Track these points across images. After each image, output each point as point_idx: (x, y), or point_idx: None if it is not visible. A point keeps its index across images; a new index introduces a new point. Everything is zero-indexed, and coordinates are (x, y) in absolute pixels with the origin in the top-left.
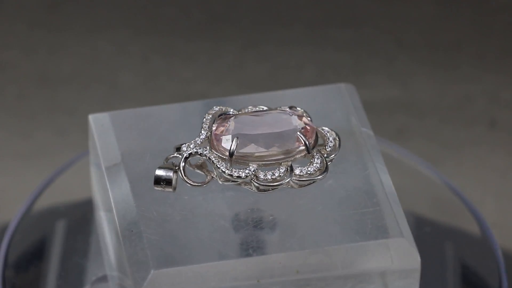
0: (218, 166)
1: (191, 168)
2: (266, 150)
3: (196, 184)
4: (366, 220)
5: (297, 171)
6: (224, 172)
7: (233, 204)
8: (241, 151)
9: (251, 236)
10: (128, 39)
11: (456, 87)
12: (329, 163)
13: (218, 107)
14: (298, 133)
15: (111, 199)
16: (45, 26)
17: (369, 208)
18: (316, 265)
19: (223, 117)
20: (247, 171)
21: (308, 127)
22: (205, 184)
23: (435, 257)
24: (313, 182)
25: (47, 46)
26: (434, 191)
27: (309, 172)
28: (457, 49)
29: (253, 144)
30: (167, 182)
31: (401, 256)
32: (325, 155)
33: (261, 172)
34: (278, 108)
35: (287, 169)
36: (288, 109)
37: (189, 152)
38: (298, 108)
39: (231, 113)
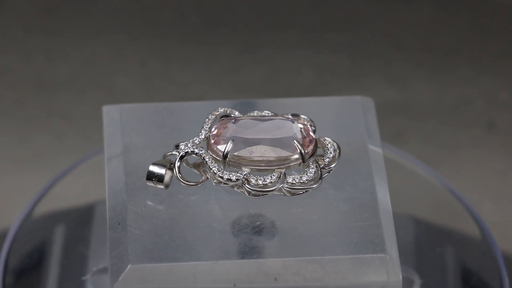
0: (211, 167)
1: (188, 167)
2: (260, 155)
3: (190, 183)
4: (352, 234)
5: (289, 179)
6: (215, 173)
7: (225, 207)
8: (235, 154)
9: (235, 239)
10: (125, 43)
11: (454, 89)
12: (326, 174)
13: (223, 109)
14: (295, 141)
15: (106, 190)
16: (42, 30)
17: (358, 223)
18: (293, 274)
19: (225, 119)
20: (238, 175)
21: (307, 136)
22: (200, 184)
23: (435, 260)
24: (306, 191)
25: (44, 50)
26: (433, 194)
27: (301, 181)
28: (454, 51)
29: (248, 148)
30: (159, 178)
31: (382, 272)
32: (322, 166)
33: (253, 177)
34: (284, 115)
35: (280, 176)
36: (290, 117)
37: (185, 151)
38: (303, 116)
39: (233, 115)
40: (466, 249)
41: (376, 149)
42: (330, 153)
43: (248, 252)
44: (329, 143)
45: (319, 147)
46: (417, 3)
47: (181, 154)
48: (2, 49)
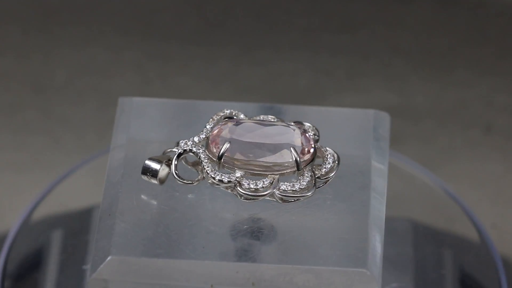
0: (205, 166)
1: (188, 166)
2: (255, 159)
3: (185, 181)
4: (337, 246)
5: (282, 186)
6: (208, 173)
7: (218, 208)
8: (230, 156)
9: (220, 241)
10: (122, 46)
11: (452, 91)
12: (322, 185)
13: (229, 110)
14: (291, 148)
15: (105, 179)
16: (40, 33)
17: (345, 235)
18: (271, 281)
19: (227, 120)
20: (231, 177)
21: (306, 145)
22: (195, 183)
23: (433, 263)
24: (297, 200)
25: (42, 53)
26: (431, 196)
27: (293, 189)
28: (452, 53)
29: (243, 151)
30: (153, 174)
31: (362, 287)
32: (318, 175)
33: (245, 180)
34: (287, 122)
35: (272, 182)
36: (293, 124)
37: (183, 149)
38: (308, 124)
39: (235, 117)
40: (464, 251)
41: (378, 165)
42: (329, 163)
43: (229, 254)
44: (330, 153)
45: (319, 157)
46: (414, 5)
47: (179, 151)
48: (0, 52)
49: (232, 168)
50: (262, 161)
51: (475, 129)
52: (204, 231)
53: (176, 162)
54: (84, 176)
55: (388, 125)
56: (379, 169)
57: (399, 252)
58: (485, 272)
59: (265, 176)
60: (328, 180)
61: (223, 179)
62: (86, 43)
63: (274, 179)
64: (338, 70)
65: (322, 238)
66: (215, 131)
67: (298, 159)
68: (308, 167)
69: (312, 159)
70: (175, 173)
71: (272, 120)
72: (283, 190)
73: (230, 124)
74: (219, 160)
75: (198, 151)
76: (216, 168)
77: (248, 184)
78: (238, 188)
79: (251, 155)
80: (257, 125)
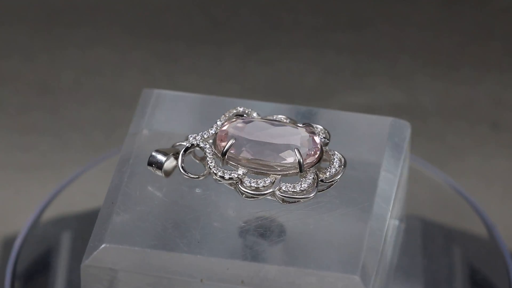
0: (209, 162)
1: (196, 160)
2: (259, 158)
3: (191, 175)
4: (332, 250)
5: (283, 187)
6: (211, 169)
7: (221, 204)
8: (235, 153)
9: (215, 236)
10: (129, 47)
11: (459, 89)
12: (326, 188)
13: (242, 108)
14: (295, 149)
15: (115, 167)
16: (47, 35)
17: (342, 240)
18: (261, 280)
19: (238, 118)
20: (233, 174)
21: (313, 147)
22: (201, 178)
23: (442, 260)
24: (297, 201)
25: (49, 56)
26: (439, 194)
27: (294, 190)
28: (459, 51)
29: (248, 149)
30: (158, 165)
31: None
32: (321, 179)
33: (247, 178)
34: (297, 123)
35: (273, 182)
36: (301, 125)
37: (191, 143)
38: (319, 127)
39: (245, 115)
40: (473, 248)
41: (387, 174)
42: (334, 167)
43: (222, 250)
44: (337, 157)
45: (326, 160)
46: (421, 3)
47: (186, 145)
48: (7, 55)
49: (236, 166)
50: (266, 161)
51: (482, 126)
52: (201, 226)
53: (183, 156)
54: (92, 177)
55: (406, 134)
56: (388, 177)
57: (408, 249)
58: (494, 268)
59: (268, 175)
60: (332, 184)
61: (225, 176)
62: (93, 44)
63: (275, 179)
64: (345, 68)
65: (319, 241)
66: (224, 128)
67: (301, 161)
68: (312, 170)
69: (317, 162)
70: (181, 166)
71: (284, 120)
72: (284, 190)
73: (239, 121)
74: (223, 156)
75: (205, 146)
76: (220, 164)
77: (250, 182)
78: (240, 185)
79: (255, 154)
80: (265, 124)
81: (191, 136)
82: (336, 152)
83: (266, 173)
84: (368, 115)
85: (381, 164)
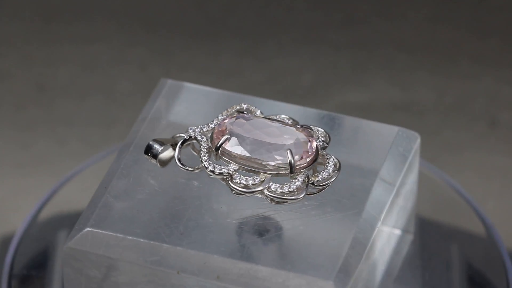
0: (202, 155)
1: (195, 153)
2: (251, 156)
3: (186, 167)
4: (310, 253)
5: (272, 186)
6: (202, 162)
7: (212, 197)
8: (228, 148)
9: (199, 230)
10: (125, 46)
11: (456, 85)
12: (317, 191)
13: (246, 105)
14: (288, 150)
15: (117, 153)
16: (42, 35)
17: (324, 244)
18: (237, 276)
19: (239, 114)
20: (223, 169)
21: (308, 149)
22: (196, 170)
23: (440, 259)
24: (285, 202)
25: (45, 55)
26: (436, 192)
27: (282, 190)
28: (456, 48)
29: (241, 146)
30: (153, 154)
31: None
32: (312, 181)
33: (237, 175)
34: (297, 124)
35: (263, 180)
36: (299, 127)
37: (189, 135)
38: (320, 130)
39: (253, 113)
40: (471, 247)
41: (383, 182)
42: (327, 171)
43: (201, 244)
44: (332, 161)
45: (322, 164)
46: (417, 0)
47: (184, 137)
48: (2, 54)
49: (228, 161)
50: (258, 159)
51: (480, 122)
52: (187, 218)
53: (180, 148)
54: (89, 175)
55: (413, 145)
56: (384, 186)
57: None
58: (492, 266)
59: (258, 174)
60: (324, 188)
61: (215, 170)
62: (89, 42)
63: (266, 177)
64: (342, 65)
65: (300, 243)
66: (222, 123)
67: (292, 162)
68: (304, 172)
69: (310, 165)
70: (178, 158)
71: (286, 120)
72: (272, 190)
73: (239, 118)
74: (216, 151)
75: (201, 139)
76: (212, 158)
77: (239, 179)
78: (230, 182)
79: (248, 151)
80: (264, 123)
81: (190, 129)
82: (332, 156)
83: (258, 171)
84: (376, 123)
85: (378, 172)
